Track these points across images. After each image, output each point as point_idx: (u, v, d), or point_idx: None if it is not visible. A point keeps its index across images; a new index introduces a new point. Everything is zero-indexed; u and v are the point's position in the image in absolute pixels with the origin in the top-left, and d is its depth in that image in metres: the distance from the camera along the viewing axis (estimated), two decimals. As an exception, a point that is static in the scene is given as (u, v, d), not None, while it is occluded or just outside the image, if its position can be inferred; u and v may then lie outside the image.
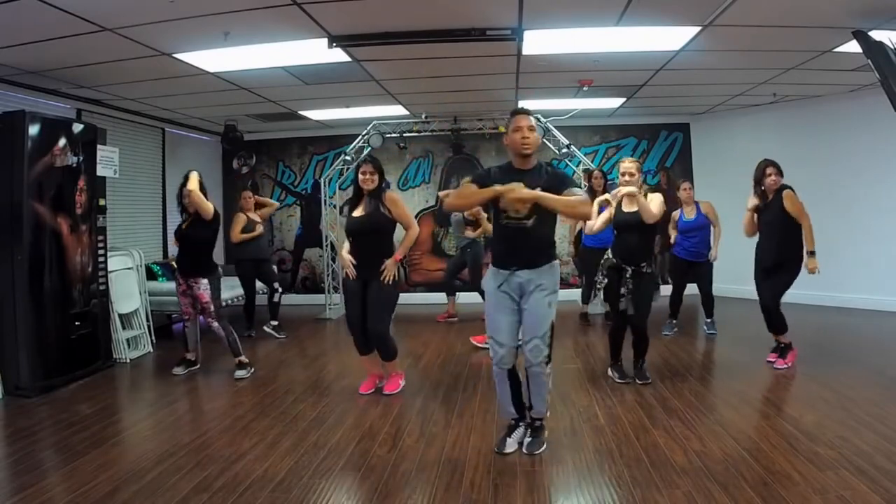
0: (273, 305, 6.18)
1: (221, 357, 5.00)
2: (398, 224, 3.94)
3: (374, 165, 3.86)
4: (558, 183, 2.88)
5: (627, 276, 3.98)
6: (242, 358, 4.65)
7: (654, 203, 3.89)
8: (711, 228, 5.45)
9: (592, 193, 5.89)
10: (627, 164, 3.94)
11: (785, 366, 4.30)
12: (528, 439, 3.07)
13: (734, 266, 5.58)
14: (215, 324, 4.59)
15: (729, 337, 5.39)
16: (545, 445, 3.06)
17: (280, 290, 6.20)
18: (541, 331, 2.92)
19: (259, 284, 6.29)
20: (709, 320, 5.66)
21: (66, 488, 2.71)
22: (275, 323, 6.19)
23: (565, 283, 7.85)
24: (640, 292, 3.96)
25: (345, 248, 3.95)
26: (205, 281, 4.57)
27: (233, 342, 4.62)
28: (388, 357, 4.01)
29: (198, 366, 4.81)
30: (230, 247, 6.42)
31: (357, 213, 3.90)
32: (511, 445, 3.05)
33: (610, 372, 4.25)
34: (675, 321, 5.68)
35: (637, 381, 4.08)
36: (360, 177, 3.85)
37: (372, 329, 3.86)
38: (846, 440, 2.96)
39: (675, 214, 5.57)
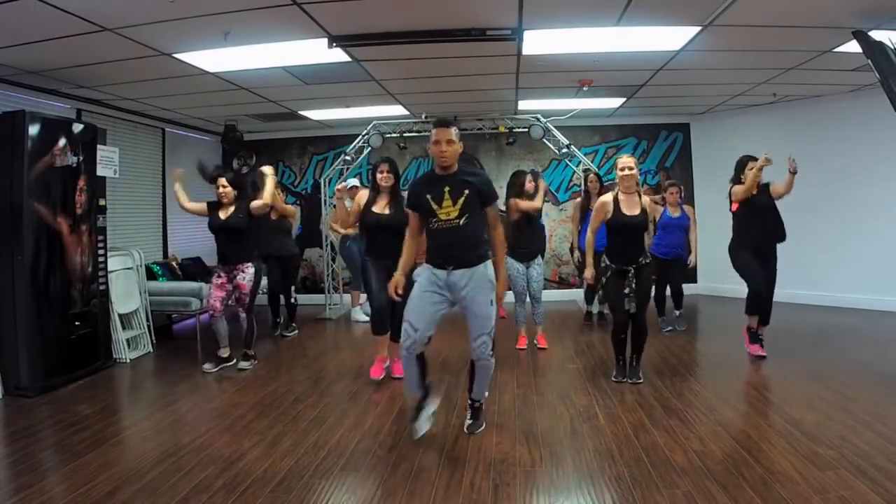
0: (290, 307, 6.17)
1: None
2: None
3: (390, 166, 4.26)
4: (484, 199, 3.11)
5: (630, 275, 4.01)
6: (250, 351, 4.81)
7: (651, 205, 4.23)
8: (690, 232, 5.63)
9: (588, 195, 6.02)
10: (626, 159, 4.06)
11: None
12: (469, 421, 3.32)
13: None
14: (243, 315, 4.73)
15: (728, 336, 5.38)
16: (484, 425, 3.33)
17: (294, 298, 6.18)
18: (487, 328, 3.11)
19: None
20: (677, 314, 5.81)
21: (66, 488, 2.71)
22: (294, 325, 6.18)
23: (565, 283, 7.87)
24: (642, 287, 4.02)
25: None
26: (251, 270, 4.69)
27: (250, 336, 4.79)
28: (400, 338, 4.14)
29: (233, 362, 4.79)
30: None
31: (378, 208, 4.19)
32: (423, 427, 3.19)
33: (614, 371, 4.26)
34: (665, 318, 5.81)
35: (629, 380, 4.09)
36: (378, 175, 4.25)
37: (398, 310, 3.97)
38: (846, 440, 2.96)
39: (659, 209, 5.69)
